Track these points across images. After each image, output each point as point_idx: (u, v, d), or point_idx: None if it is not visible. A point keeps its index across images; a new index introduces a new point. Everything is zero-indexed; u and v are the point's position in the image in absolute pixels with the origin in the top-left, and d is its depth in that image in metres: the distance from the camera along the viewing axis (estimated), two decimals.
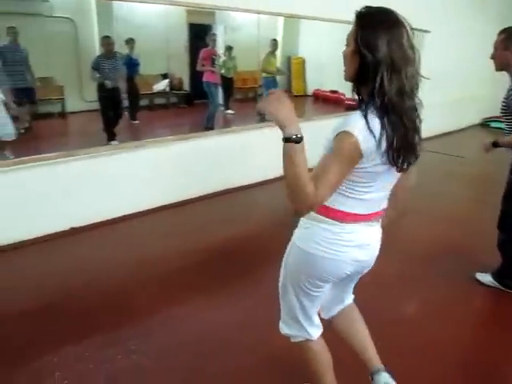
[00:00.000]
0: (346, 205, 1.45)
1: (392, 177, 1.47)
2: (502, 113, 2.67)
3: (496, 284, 2.95)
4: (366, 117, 1.29)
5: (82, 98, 7.03)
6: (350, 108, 7.21)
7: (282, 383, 2.05)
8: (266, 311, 2.59)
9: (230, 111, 7.68)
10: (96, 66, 5.34)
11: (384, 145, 1.30)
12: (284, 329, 1.75)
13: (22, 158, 3.52)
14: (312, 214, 1.47)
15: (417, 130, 1.39)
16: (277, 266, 2.96)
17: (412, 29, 1.35)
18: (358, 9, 1.36)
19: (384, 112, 1.30)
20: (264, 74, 7.18)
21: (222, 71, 7.34)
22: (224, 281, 3.01)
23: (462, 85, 8.32)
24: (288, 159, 1.27)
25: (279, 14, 5.07)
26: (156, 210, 4.19)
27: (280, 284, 1.70)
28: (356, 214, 1.46)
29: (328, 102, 8.55)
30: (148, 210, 4.15)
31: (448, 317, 2.66)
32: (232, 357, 2.24)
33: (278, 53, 8.03)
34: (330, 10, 5.06)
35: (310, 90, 9.74)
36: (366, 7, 1.36)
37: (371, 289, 1.92)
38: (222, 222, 4.07)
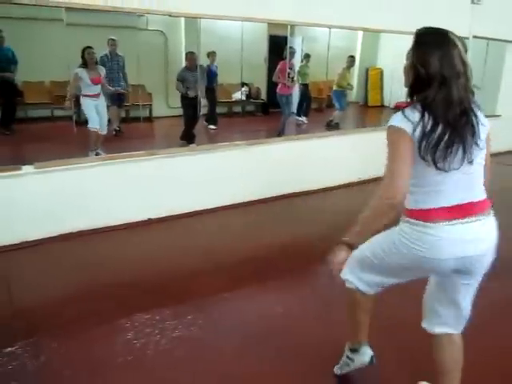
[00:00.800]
0: (426, 201, 1.55)
1: (457, 166, 1.51)
2: None
3: None
4: (403, 111, 1.49)
5: (167, 104, 7.66)
6: None
7: (319, 368, 2.22)
8: (313, 304, 2.83)
9: (301, 119, 7.90)
10: (180, 78, 5.84)
11: (422, 132, 1.45)
12: (347, 274, 1.85)
13: (110, 155, 4.05)
14: (406, 218, 1.60)
15: (464, 132, 1.49)
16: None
17: (464, 46, 1.51)
18: (418, 28, 1.56)
19: (426, 110, 1.46)
20: (334, 87, 7.36)
21: (299, 79, 7.62)
22: (278, 275, 3.22)
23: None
24: (364, 236, 1.68)
25: (351, 28, 5.22)
26: (224, 208, 4.51)
27: (366, 253, 1.78)
28: (442, 208, 1.53)
29: None
30: (217, 207, 4.48)
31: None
32: (276, 341, 2.43)
33: (356, 64, 8.13)
34: (402, 22, 5.12)
35: (388, 100, 9.68)
36: (425, 27, 1.56)
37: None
38: (283, 223, 4.29)
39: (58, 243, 3.61)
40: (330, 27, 4.92)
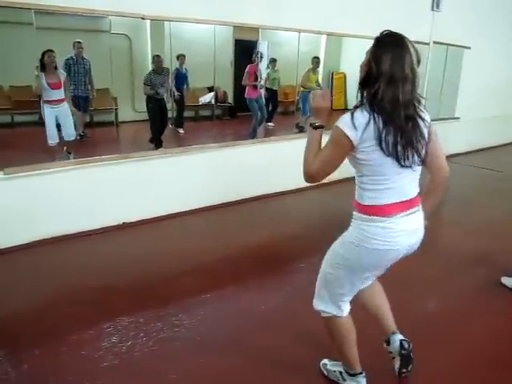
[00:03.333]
0: (383, 198, 1.68)
1: (401, 168, 1.65)
2: None
3: None
4: (352, 113, 1.61)
5: (133, 108, 7.55)
6: None
7: (309, 356, 2.27)
8: (293, 301, 2.89)
9: (270, 124, 7.97)
10: (148, 82, 5.79)
11: (376, 133, 1.58)
12: (318, 305, 1.95)
13: (81, 159, 3.95)
14: (361, 215, 1.73)
15: (418, 135, 1.64)
16: (306, 262, 3.21)
17: (417, 56, 1.63)
18: (382, 31, 1.67)
19: (375, 112, 1.58)
20: (302, 89, 7.46)
21: (267, 84, 7.68)
22: (258, 273, 3.27)
23: (504, 101, 8.31)
24: (307, 140, 1.76)
25: (319, 33, 5.35)
26: (199, 211, 4.52)
27: (327, 270, 1.88)
28: (394, 204, 1.68)
29: None
30: (191, 210, 4.48)
31: (470, 316, 2.79)
32: (266, 333, 2.49)
33: (320, 68, 8.28)
34: (367, 28, 5.30)
35: (351, 104, 9.93)
36: (387, 31, 1.66)
37: (404, 289, 2.07)
38: (257, 223, 4.35)
39: (31, 250, 3.52)
40: (298, 31, 5.03)
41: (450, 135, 7.37)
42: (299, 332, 2.52)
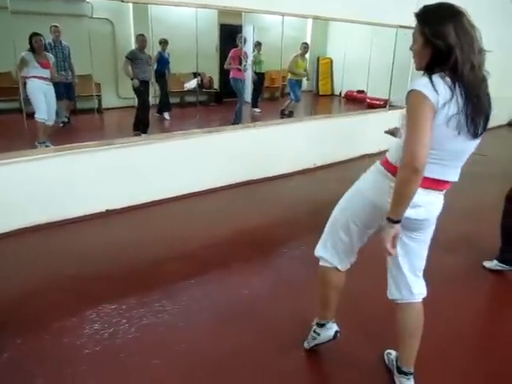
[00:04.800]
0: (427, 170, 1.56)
1: (466, 147, 1.61)
2: None
3: (502, 266, 3.09)
4: (430, 77, 1.50)
5: (117, 94, 7.44)
6: (370, 106, 7.32)
7: (294, 336, 2.29)
8: (278, 286, 2.91)
9: (257, 109, 7.92)
10: (131, 56, 5.67)
11: (452, 112, 1.49)
12: (320, 251, 1.99)
13: (62, 146, 3.87)
14: (382, 168, 1.72)
15: (487, 98, 1.60)
16: (290, 247, 3.22)
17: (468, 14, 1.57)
18: (419, 9, 1.61)
19: (458, 85, 1.50)
20: (289, 75, 7.42)
21: (254, 67, 7.62)
22: (244, 259, 3.27)
23: (490, 86, 8.34)
24: (402, 205, 1.57)
25: (303, 16, 5.29)
26: (183, 197, 4.49)
27: (335, 215, 1.93)
28: (433, 180, 1.63)
29: (356, 101, 8.66)
30: (176, 196, 4.45)
31: (453, 298, 2.83)
32: (250, 317, 2.50)
33: (307, 54, 8.23)
34: (352, 11, 5.27)
35: (338, 89, 9.90)
36: (424, 6, 1.60)
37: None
38: (243, 209, 4.34)
39: (12, 238, 3.47)
40: (282, 15, 4.97)
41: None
42: (283, 315, 2.54)
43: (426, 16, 1.58)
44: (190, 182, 4.59)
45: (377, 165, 1.78)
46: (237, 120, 6.24)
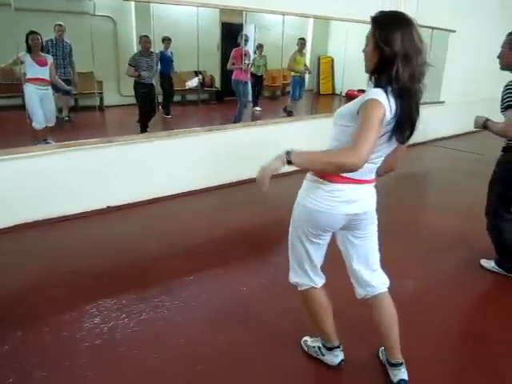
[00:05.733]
0: (356, 173, 1.66)
1: (387, 149, 1.75)
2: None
3: (497, 269, 3.12)
4: (386, 93, 1.58)
5: (118, 92, 7.47)
6: None
7: (290, 334, 2.32)
8: (275, 283, 2.91)
9: (257, 108, 7.94)
10: (133, 63, 5.69)
11: (389, 117, 1.59)
12: (293, 277, 2.01)
13: (63, 143, 3.92)
14: (311, 176, 1.81)
15: (417, 109, 1.67)
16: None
17: (419, 25, 1.63)
18: (373, 14, 1.66)
19: (398, 94, 1.59)
20: (292, 73, 7.42)
21: (252, 69, 7.62)
22: (241, 256, 3.31)
23: (488, 85, 8.35)
24: (305, 167, 1.70)
25: (303, 16, 5.31)
26: (184, 195, 4.52)
27: (289, 237, 1.97)
28: (348, 178, 1.71)
29: None
30: (176, 194, 4.48)
31: (450, 296, 2.85)
32: (247, 314, 2.54)
33: (308, 52, 8.24)
34: (352, 11, 5.29)
35: (339, 89, 9.92)
36: (380, 12, 1.67)
37: (388, 268, 2.11)
38: (242, 207, 4.37)
39: (11, 234, 3.51)
40: (282, 14, 4.99)
41: (434, 119, 7.41)
42: (280, 311, 2.57)
43: (379, 21, 1.64)
44: (190, 179, 4.62)
45: (307, 177, 1.86)
46: (238, 119, 6.27)
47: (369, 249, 1.94)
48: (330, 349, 2.11)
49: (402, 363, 1.99)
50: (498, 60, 2.89)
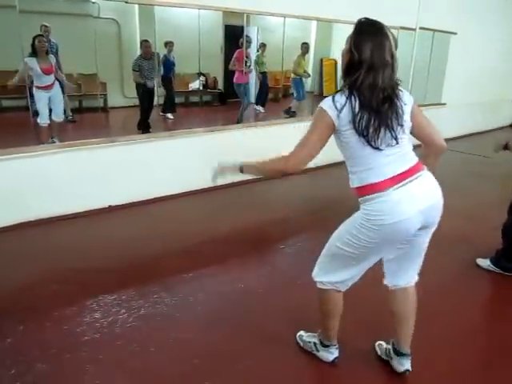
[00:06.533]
0: (369, 178, 1.72)
1: (373, 152, 1.72)
2: None
3: (494, 268, 3.15)
4: (333, 96, 1.69)
5: (122, 94, 7.54)
6: None
7: (286, 330, 2.35)
8: (272, 280, 2.99)
9: (261, 109, 8.00)
10: (137, 68, 5.78)
11: (350, 114, 1.65)
12: (320, 276, 1.97)
13: (66, 143, 4.01)
14: (361, 199, 1.77)
15: (388, 116, 1.68)
16: (287, 244, 3.30)
17: (395, 42, 1.70)
18: (360, 18, 1.74)
19: (353, 96, 1.66)
20: (292, 75, 7.50)
21: (258, 67, 7.70)
22: (240, 254, 3.35)
23: (490, 87, 8.38)
24: (256, 173, 1.99)
25: (304, 18, 5.36)
26: (185, 195, 4.58)
27: (336, 243, 1.87)
28: (385, 180, 1.70)
29: None
30: (178, 193, 4.55)
31: (448, 293, 2.89)
32: (244, 310, 2.58)
33: (311, 55, 8.30)
34: (353, 13, 5.31)
35: None
36: (366, 18, 1.73)
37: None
38: (242, 208, 4.42)
39: (16, 231, 3.57)
40: (284, 16, 5.05)
41: (436, 121, 7.36)
42: (277, 308, 2.62)
43: (358, 26, 1.70)
44: (191, 179, 4.67)
45: (360, 205, 1.83)
46: (239, 120, 6.33)
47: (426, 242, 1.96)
48: (326, 346, 2.15)
49: (410, 354, 2.05)
50: None
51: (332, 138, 1.78)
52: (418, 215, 1.74)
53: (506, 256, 3.10)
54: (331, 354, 2.15)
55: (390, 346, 2.14)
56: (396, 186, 1.71)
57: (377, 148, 1.70)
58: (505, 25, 8.25)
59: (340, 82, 1.78)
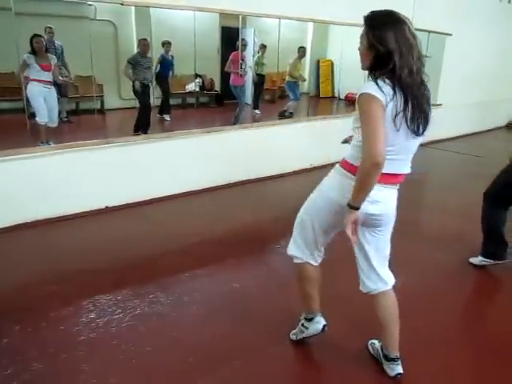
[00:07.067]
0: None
1: (410, 143, 1.76)
2: None
3: (486, 260, 3.17)
4: (376, 81, 1.65)
5: (119, 95, 7.55)
6: None
7: (281, 328, 2.37)
8: (268, 280, 3.00)
9: (257, 111, 8.01)
10: (133, 62, 5.77)
11: (395, 110, 1.64)
12: (292, 250, 2.09)
13: (63, 144, 4.00)
14: (340, 168, 1.85)
15: (426, 101, 1.73)
16: (283, 244, 3.31)
17: (409, 21, 1.71)
18: (367, 14, 1.75)
19: (396, 87, 1.64)
20: (287, 78, 7.54)
21: (257, 70, 7.72)
22: (237, 255, 3.37)
23: (485, 88, 8.42)
24: (364, 194, 1.69)
25: (299, 19, 5.39)
26: (182, 196, 4.60)
27: (301, 215, 2.04)
28: (385, 175, 1.71)
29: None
30: (174, 194, 4.56)
31: (443, 291, 2.92)
32: (239, 309, 2.61)
33: (308, 56, 8.33)
34: (348, 15, 5.36)
35: (338, 91, 9.97)
36: (372, 12, 1.75)
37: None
38: (239, 208, 4.45)
39: (12, 233, 3.58)
40: (279, 18, 5.08)
41: (432, 121, 7.48)
42: (272, 307, 2.64)
43: (371, 21, 1.71)
44: (188, 180, 4.70)
45: (336, 167, 1.91)
46: (236, 122, 6.35)
47: (382, 246, 1.99)
48: (311, 319, 2.19)
49: (399, 357, 2.05)
50: None
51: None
52: (364, 214, 1.79)
53: (490, 242, 3.15)
54: (318, 324, 2.18)
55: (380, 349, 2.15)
56: (383, 186, 1.78)
57: (420, 134, 1.73)
58: (499, 26, 8.30)
59: (368, 77, 1.74)
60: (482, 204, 3.22)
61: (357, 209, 1.71)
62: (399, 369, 2.05)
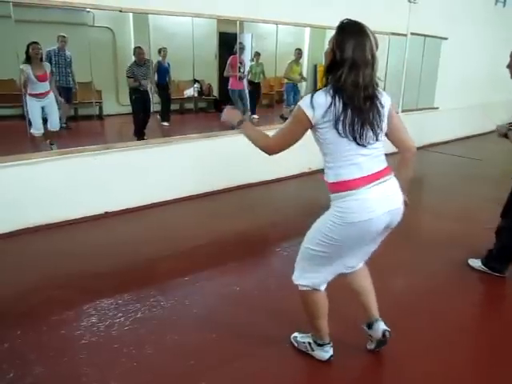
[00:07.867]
0: (345, 174, 1.80)
1: (365, 149, 1.79)
2: None
3: (484, 269, 3.20)
4: (312, 94, 1.76)
5: (117, 101, 7.58)
6: None
7: (281, 331, 2.38)
8: (267, 283, 3.01)
9: (255, 116, 8.05)
10: (131, 75, 5.83)
11: (334, 117, 1.72)
12: (299, 279, 2.05)
13: (63, 150, 4.02)
14: (333, 195, 1.85)
15: (377, 113, 1.78)
16: (282, 247, 3.34)
17: (376, 42, 1.76)
18: (342, 19, 1.80)
19: (337, 95, 1.72)
20: (286, 80, 7.57)
21: (250, 77, 7.75)
22: (236, 258, 3.39)
23: (482, 91, 8.48)
24: (246, 136, 1.97)
25: (296, 25, 5.44)
26: (181, 200, 4.62)
27: (309, 246, 1.96)
28: (360, 178, 1.78)
29: None
30: (174, 199, 4.58)
31: (439, 293, 2.93)
32: (240, 312, 2.62)
33: (305, 60, 8.37)
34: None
35: None
36: (347, 19, 1.80)
37: (379, 270, 2.22)
38: (237, 212, 4.47)
39: (14, 238, 3.60)
40: (276, 24, 5.12)
41: (428, 125, 7.53)
42: (272, 310, 2.65)
43: (340, 27, 1.77)
44: (187, 185, 4.72)
45: (332, 200, 1.91)
46: (234, 127, 6.37)
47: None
48: (320, 345, 2.18)
49: (379, 319, 2.18)
50: (508, 70, 2.97)
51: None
52: (386, 215, 1.84)
53: (498, 257, 3.14)
54: (326, 353, 2.18)
55: (366, 328, 2.23)
56: (368, 186, 1.80)
57: (361, 145, 1.77)
58: (495, 29, 8.37)
59: (323, 80, 1.82)
60: (500, 223, 3.14)
61: (238, 124, 2.00)
62: (383, 326, 2.16)
